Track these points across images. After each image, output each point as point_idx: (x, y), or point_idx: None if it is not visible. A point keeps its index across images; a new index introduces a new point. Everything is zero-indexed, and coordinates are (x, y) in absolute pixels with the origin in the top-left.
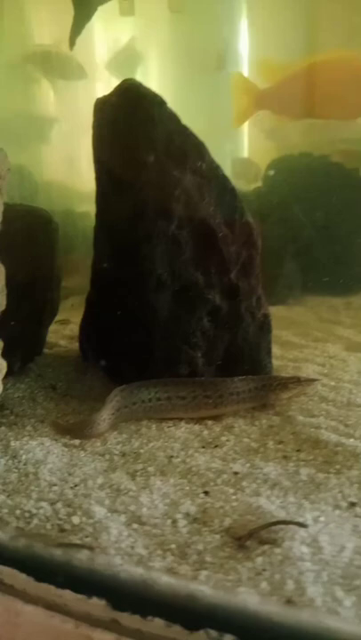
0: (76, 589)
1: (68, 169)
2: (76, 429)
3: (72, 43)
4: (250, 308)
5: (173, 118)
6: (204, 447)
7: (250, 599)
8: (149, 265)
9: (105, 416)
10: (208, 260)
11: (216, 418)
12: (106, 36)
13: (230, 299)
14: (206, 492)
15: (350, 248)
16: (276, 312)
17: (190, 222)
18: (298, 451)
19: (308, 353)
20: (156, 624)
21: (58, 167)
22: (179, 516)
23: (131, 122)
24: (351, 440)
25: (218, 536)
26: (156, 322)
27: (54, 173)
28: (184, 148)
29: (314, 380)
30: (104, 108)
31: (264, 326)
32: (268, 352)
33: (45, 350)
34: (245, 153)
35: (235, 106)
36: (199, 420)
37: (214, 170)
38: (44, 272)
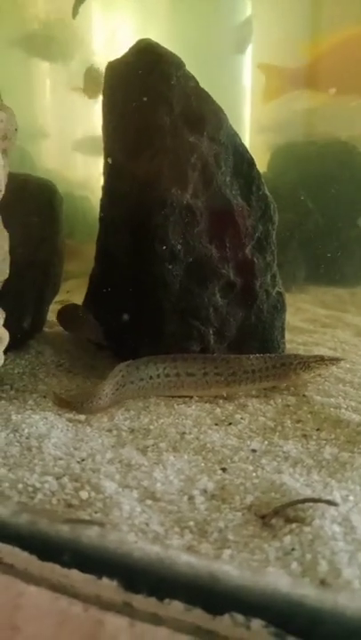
0: (84, 569)
1: (64, 155)
2: (75, 402)
3: (75, 12)
4: (265, 286)
5: (192, 81)
6: (217, 424)
7: (280, 580)
8: (162, 235)
9: (107, 391)
10: (223, 233)
11: (228, 397)
12: (106, 19)
13: (245, 274)
14: (224, 469)
15: (355, 237)
16: None
17: (206, 192)
18: (318, 430)
19: (318, 338)
20: (175, 607)
21: (54, 153)
22: (196, 492)
23: (146, 83)
24: None
25: (240, 514)
26: (166, 295)
27: (51, 159)
28: (202, 113)
29: (339, 360)
30: (118, 69)
31: (278, 305)
32: (282, 331)
33: (45, 329)
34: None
35: (268, 84)
36: (211, 399)
37: (232, 138)
38: (48, 244)
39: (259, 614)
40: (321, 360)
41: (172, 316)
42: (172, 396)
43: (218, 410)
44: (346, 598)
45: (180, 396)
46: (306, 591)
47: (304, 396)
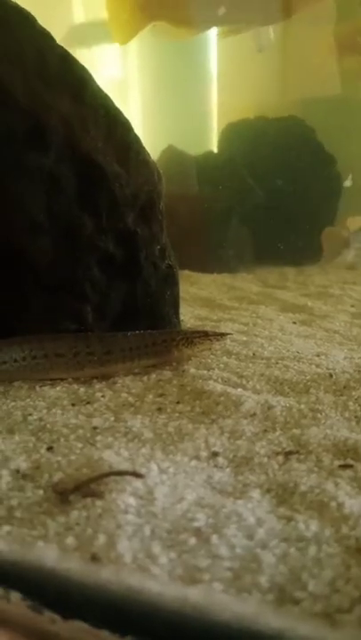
0: None
1: None
2: None
3: None
4: (151, 258)
5: (46, 37)
6: (73, 404)
7: (47, 555)
8: (20, 203)
9: None
10: (97, 202)
11: (104, 376)
12: None
13: (127, 246)
14: (50, 448)
15: (306, 214)
16: (218, 279)
17: (72, 157)
18: (177, 403)
19: (236, 314)
20: None
21: None
22: (5, 472)
23: None
24: (239, 390)
25: (41, 491)
26: (32, 270)
27: None
28: (61, 71)
29: (224, 335)
30: None
31: (168, 278)
32: (174, 305)
33: None
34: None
35: (115, 19)
36: (85, 379)
37: (101, 100)
38: None
39: (17, 587)
40: (205, 336)
41: (39, 292)
42: (43, 379)
43: (82, 390)
44: (109, 572)
45: (51, 379)
46: (72, 566)
47: (183, 370)
